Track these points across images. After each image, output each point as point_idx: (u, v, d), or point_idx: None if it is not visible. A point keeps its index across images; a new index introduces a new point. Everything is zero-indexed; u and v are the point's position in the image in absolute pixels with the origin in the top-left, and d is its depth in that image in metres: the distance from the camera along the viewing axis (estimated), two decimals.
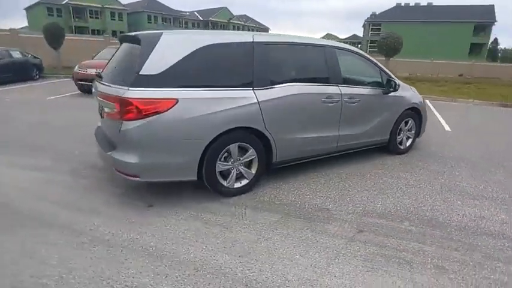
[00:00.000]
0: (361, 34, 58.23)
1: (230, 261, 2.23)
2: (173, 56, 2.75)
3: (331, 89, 3.61)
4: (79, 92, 9.61)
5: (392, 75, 4.28)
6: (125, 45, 3.29)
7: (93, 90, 3.37)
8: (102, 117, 3.23)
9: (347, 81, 3.79)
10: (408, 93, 4.53)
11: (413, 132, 4.74)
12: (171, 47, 2.80)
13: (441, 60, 25.25)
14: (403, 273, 2.17)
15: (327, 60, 3.61)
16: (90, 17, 48.06)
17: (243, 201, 3.11)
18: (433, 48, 33.32)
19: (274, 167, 3.43)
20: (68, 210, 2.85)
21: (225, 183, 3.09)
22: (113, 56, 3.53)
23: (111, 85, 2.85)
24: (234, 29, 62.57)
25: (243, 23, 67.48)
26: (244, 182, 3.21)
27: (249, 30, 66.47)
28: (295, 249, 2.40)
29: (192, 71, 2.82)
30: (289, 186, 3.46)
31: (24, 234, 2.47)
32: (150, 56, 2.68)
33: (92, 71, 9.05)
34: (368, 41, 42.38)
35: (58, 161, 4.00)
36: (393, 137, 4.46)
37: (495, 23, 38.33)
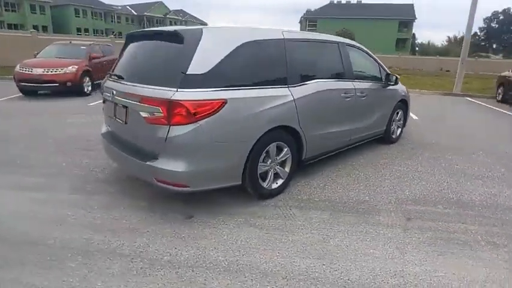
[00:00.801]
0: (296, 29, 60.64)
1: (313, 265, 2.18)
2: (217, 54, 2.55)
3: (348, 84, 3.71)
4: (20, 94, 8.37)
5: (388, 70, 4.56)
6: (148, 42, 2.94)
7: (109, 91, 2.95)
8: (123, 122, 2.83)
9: (357, 77, 3.93)
10: (399, 85, 4.87)
11: (401, 122, 5.12)
12: (214, 44, 2.60)
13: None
14: (467, 253, 2.35)
15: (342, 56, 3.70)
16: (5, 9, 41.65)
17: (282, 202, 3.05)
18: (364, 43, 36.15)
19: (303, 165, 3.42)
20: (99, 232, 2.49)
21: (264, 184, 2.99)
22: (122, 53, 3.15)
23: (147, 86, 2.51)
24: (171, 24, 60.20)
25: (180, 18, 65.15)
26: (280, 181, 3.15)
27: (187, 25, 64.59)
28: (364, 243, 2.44)
29: (235, 70, 2.66)
30: (317, 183, 3.48)
31: (65, 268, 2.09)
32: (195, 54, 2.44)
33: (39, 71, 7.97)
34: None
35: (50, 177, 3.45)
36: (388, 128, 4.77)
37: (415, 20, 43.12)
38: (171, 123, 2.38)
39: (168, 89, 2.38)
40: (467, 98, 11.09)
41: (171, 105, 2.34)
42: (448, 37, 72.03)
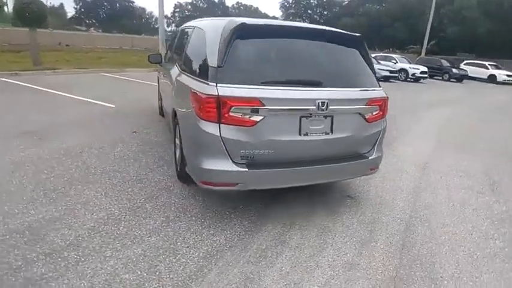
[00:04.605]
0: None
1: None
2: None
3: None
4: None
5: None
6: (317, 42, 2.74)
7: (299, 103, 2.45)
8: (327, 133, 2.58)
9: None
10: None
11: None
12: None
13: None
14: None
15: None
16: None
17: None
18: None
19: None
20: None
21: None
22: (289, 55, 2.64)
23: (367, 88, 2.75)
24: None
25: None
26: None
27: None
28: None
29: None
30: None
31: None
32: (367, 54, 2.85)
33: None
34: None
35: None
36: None
37: None
38: (384, 116, 2.88)
39: (379, 88, 2.82)
40: None
41: (385, 102, 2.84)
42: None
